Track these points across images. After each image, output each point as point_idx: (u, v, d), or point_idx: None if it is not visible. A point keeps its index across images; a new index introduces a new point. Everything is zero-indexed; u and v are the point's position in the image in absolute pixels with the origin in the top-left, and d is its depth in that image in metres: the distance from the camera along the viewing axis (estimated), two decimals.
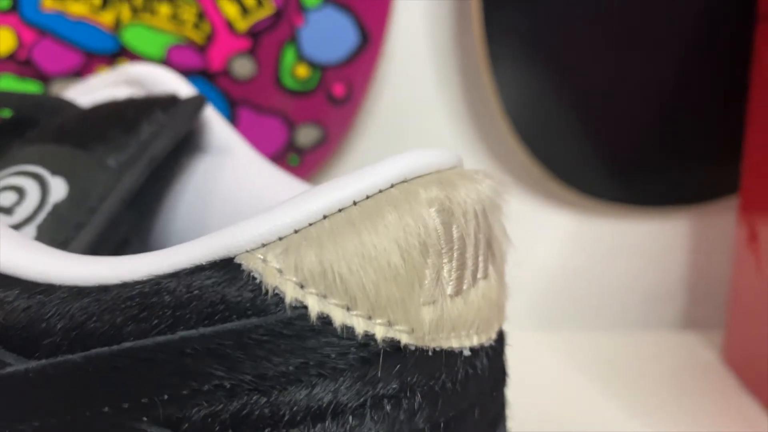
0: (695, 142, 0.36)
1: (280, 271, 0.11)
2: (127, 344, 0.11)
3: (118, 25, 0.35)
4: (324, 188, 0.12)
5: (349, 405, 0.11)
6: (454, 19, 0.37)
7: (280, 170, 0.21)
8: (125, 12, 0.35)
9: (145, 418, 0.11)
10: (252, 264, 0.11)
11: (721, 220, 0.38)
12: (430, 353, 0.12)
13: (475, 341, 0.13)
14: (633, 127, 0.37)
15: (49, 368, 0.12)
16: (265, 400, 0.11)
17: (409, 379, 0.12)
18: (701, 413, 0.29)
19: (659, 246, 0.39)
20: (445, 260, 0.12)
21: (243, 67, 0.36)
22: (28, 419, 0.12)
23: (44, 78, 0.36)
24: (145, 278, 0.12)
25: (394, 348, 0.12)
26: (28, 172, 0.18)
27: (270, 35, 0.35)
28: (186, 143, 0.22)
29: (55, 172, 0.18)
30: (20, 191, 0.17)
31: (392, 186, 0.12)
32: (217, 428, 0.11)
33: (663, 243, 0.39)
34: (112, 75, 0.23)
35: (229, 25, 0.35)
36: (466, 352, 0.12)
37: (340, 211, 0.11)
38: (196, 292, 0.11)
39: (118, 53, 0.35)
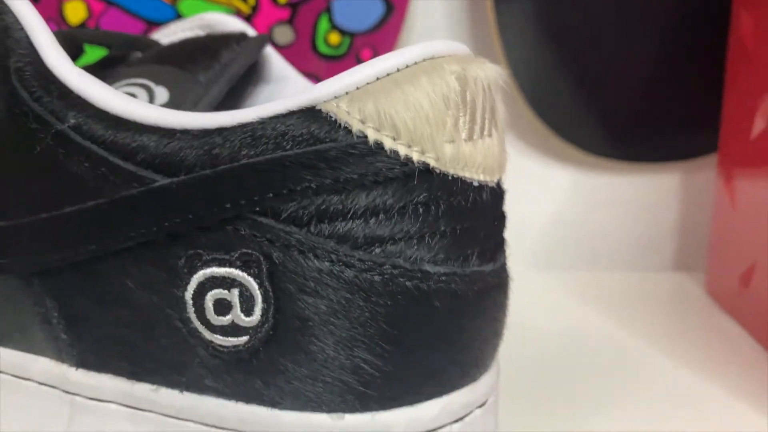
0: (683, 104, 0.41)
1: (348, 112, 0.16)
2: (243, 161, 0.16)
3: None
4: (376, 60, 0.17)
5: (394, 205, 0.16)
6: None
7: None
8: None
9: (257, 208, 0.17)
10: (329, 108, 0.17)
11: (705, 174, 0.43)
12: (449, 177, 0.17)
13: (481, 178, 0.18)
14: (627, 90, 0.42)
15: (188, 180, 0.17)
16: (338, 198, 0.16)
17: (434, 192, 0.17)
18: (687, 337, 0.33)
19: (650, 198, 0.44)
20: (461, 113, 0.17)
21: (283, 34, 0.41)
22: (172, 217, 0.17)
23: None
24: (254, 120, 0.17)
25: (425, 169, 0.17)
26: (138, 83, 0.23)
27: (307, 6, 0.41)
28: (251, 75, 0.27)
29: (158, 82, 0.23)
30: (132, 96, 0.22)
31: (424, 60, 0.17)
32: (305, 218, 0.16)
33: (654, 195, 0.44)
34: (189, 21, 0.28)
35: None
36: (475, 183, 0.17)
37: (387, 75, 0.17)
38: (290, 126, 0.16)
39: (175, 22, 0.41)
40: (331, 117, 0.16)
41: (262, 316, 0.17)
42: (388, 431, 0.17)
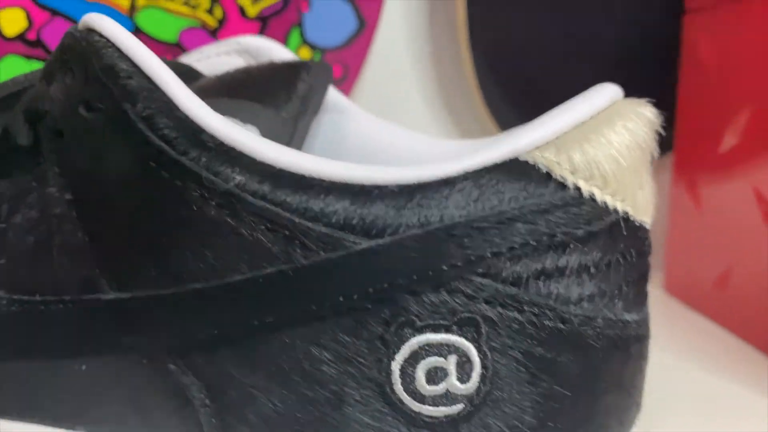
0: None
1: (558, 163, 0.16)
2: (456, 219, 0.15)
3: (133, 8, 0.37)
4: (570, 106, 0.16)
5: (602, 258, 0.16)
6: (433, 12, 0.43)
7: (385, 122, 0.25)
8: None
9: (477, 269, 0.16)
10: (536, 159, 0.16)
11: (657, 175, 0.46)
12: (638, 224, 0.17)
13: (648, 222, 0.18)
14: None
15: (398, 241, 0.15)
16: (553, 254, 0.16)
17: (630, 242, 0.17)
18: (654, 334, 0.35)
19: None
20: (649, 159, 0.17)
21: None
22: (379, 282, 0.15)
23: None
24: (458, 174, 0.16)
25: (625, 218, 0.17)
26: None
27: (277, 20, 0.39)
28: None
29: (245, 120, 0.21)
30: None
31: (612, 104, 0.17)
32: (524, 277, 0.16)
33: None
34: (224, 45, 0.25)
35: (241, 10, 0.38)
36: (647, 227, 0.18)
37: (583, 122, 0.16)
38: (500, 179, 0.16)
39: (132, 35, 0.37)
40: (540, 168, 0.16)
41: (480, 382, 0.16)
42: None
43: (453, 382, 0.16)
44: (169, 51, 0.38)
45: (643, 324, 0.17)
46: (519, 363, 0.16)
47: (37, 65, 0.37)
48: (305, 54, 0.40)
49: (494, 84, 0.42)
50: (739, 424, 0.25)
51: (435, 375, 0.16)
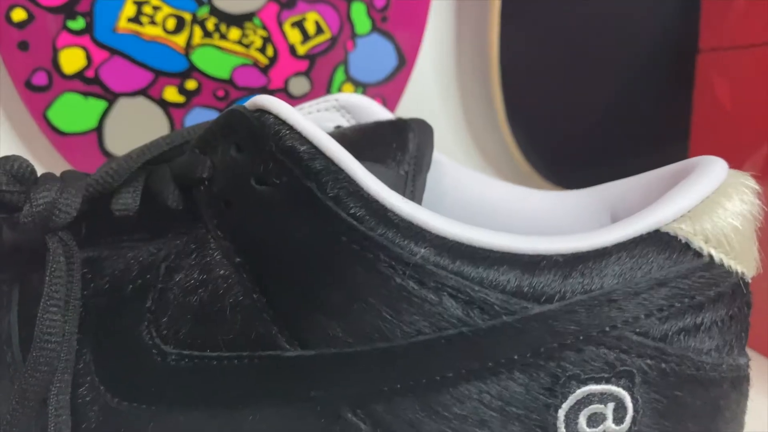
0: (646, 149, 0.47)
1: (694, 233, 0.19)
2: (615, 286, 0.18)
3: (189, 46, 0.38)
4: (696, 182, 0.19)
5: (726, 315, 0.19)
6: (466, 50, 0.45)
7: (476, 173, 0.27)
8: (197, 34, 0.38)
9: (634, 329, 0.18)
10: (676, 231, 0.19)
11: None
12: (748, 283, 0.20)
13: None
14: (601, 138, 0.47)
15: (567, 306, 0.18)
16: (692, 315, 0.18)
17: (746, 299, 0.20)
18: None
19: None
20: (756, 228, 0.20)
21: (299, 85, 0.40)
22: (549, 342, 0.18)
23: (109, 95, 0.38)
24: (610, 245, 0.18)
25: (745, 281, 0.19)
26: None
27: (324, 58, 0.40)
28: None
29: None
30: None
31: (726, 178, 0.20)
32: (669, 334, 0.18)
33: None
34: (323, 102, 0.27)
35: (291, 49, 0.40)
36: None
37: (708, 197, 0.19)
38: (649, 250, 0.18)
39: (187, 72, 0.39)
40: (680, 240, 0.18)
41: (631, 423, 0.18)
42: None
43: (609, 426, 0.18)
44: (222, 87, 0.39)
45: (747, 365, 0.20)
46: (660, 404, 0.18)
47: (94, 102, 0.38)
48: (348, 89, 0.42)
49: (523, 123, 0.45)
50: None
51: (595, 420, 0.18)
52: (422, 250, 0.18)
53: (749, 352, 0.29)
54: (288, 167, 0.19)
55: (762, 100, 0.38)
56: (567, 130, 0.46)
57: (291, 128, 0.19)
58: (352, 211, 0.18)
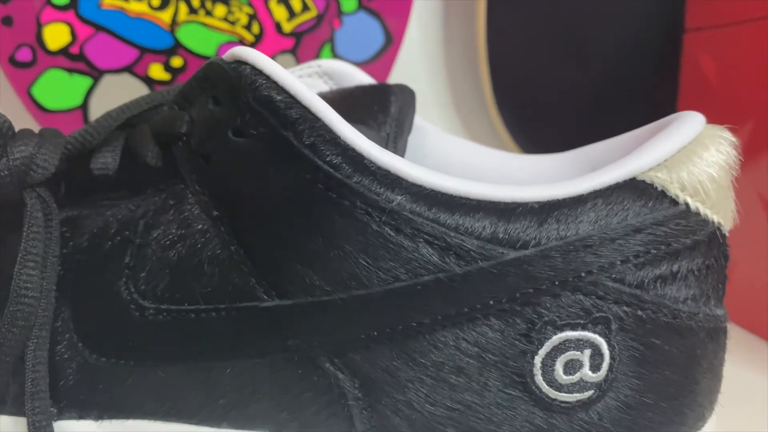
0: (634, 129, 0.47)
1: (669, 182, 0.19)
2: (592, 232, 0.18)
3: (174, 23, 0.38)
4: (674, 132, 0.19)
5: (703, 264, 0.19)
6: (453, 27, 0.45)
7: (460, 140, 0.27)
8: (182, 11, 0.38)
9: (611, 275, 0.18)
10: (652, 179, 0.19)
11: None
12: (725, 234, 0.20)
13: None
14: (588, 118, 0.47)
15: (544, 252, 0.18)
16: (668, 263, 0.18)
17: (722, 249, 0.20)
18: None
19: None
20: (732, 178, 0.20)
21: (286, 63, 0.40)
22: (525, 288, 0.18)
23: (94, 72, 0.38)
24: (586, 192, 0.18)
25: (719, 227, 0.19)
26: None
27: (311, 36, 0.40)
28: None
29: None
30: None
31: (702, 129, 0.20)
32: (645, 282, 0.18)
33: None
34: (305, 68, 0.27)
35: (277, 26, 0.40)
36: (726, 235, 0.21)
37: (685, 146, 0.19)
38: (624, 197, 0.18)
39: (172, 49, 0.38)
40: (656, 187, 0.18)
41: (608, 370, 0.18)
42: None
43: (586, 372, 0.18)
44: None
45: (725, 318, 0.20)
46: (637, 351, 0.19)
47: (78, 78, 0.38)
48: None
49: (511, 102, 0.45)
50: (742, 411, 0.26)
51: (571, 366, 0.18)
52: (398, 198, 0.18)
53: (755, 339, 0.29)
54: (265, 117, 0.19)
55: (748, 78, 0.38)
56: (554, 108, 0.46)
57: (267, 78, 0.19)
58: (328, 158, 0.18)
